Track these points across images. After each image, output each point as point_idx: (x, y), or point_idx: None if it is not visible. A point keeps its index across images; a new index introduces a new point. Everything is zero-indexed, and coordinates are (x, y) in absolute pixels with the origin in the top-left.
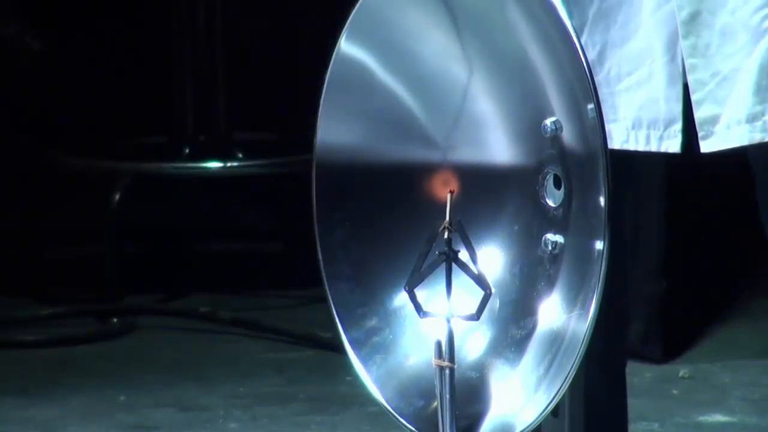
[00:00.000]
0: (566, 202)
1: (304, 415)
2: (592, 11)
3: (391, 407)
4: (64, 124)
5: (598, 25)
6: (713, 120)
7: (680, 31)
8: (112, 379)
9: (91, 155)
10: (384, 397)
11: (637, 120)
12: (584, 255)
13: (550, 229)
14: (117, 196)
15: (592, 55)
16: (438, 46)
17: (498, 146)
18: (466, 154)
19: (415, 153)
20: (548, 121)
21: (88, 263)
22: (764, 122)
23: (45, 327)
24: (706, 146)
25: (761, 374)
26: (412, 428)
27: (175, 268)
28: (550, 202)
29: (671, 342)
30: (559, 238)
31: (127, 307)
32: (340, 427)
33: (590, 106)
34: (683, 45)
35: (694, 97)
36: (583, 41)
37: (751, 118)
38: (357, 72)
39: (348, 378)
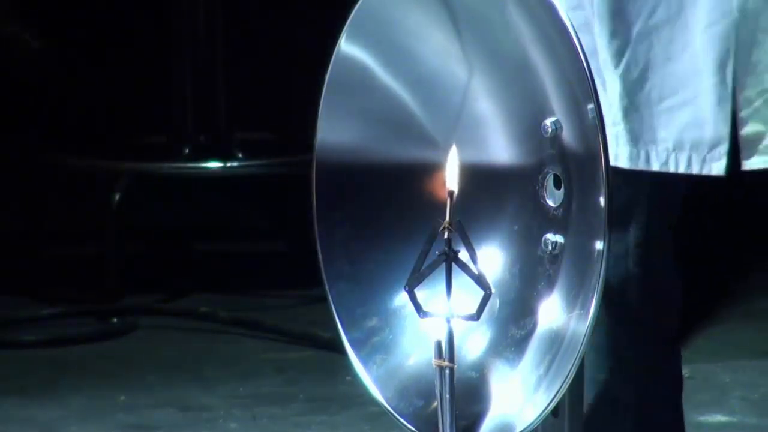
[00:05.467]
0: (566, 202)
1: (304, 415)
2: (636, 29)
3: (391, 407)
4: (64, 124)
5: (643, 43)
6: (755, 139)
7: (732, 51)
8: (112, 379)
9: (91, 155)
10: (384, 397)
11: (679, 141)
12: (584, 255)
13: (550, 229)
14: (117, 196)
15: (634, 74)
16: (438, 46)
17: (498, 146)
18: (466, 154)
19: (415, 153)
20: (548, 121)
21: (88, 263)
22: None
23: (45, 327)
24: (748, 164)
25: (761, 374)
26: (412, 428)
27: (175, 268)
28: (550, 202)
29: None
30: (559, 238)
31: (127, 307)
32: (340, 427)
33: (590, 106)
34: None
35: (741, 114)
36: (626, 60)
37: None
38: (357, 72)
39: (348, 378)
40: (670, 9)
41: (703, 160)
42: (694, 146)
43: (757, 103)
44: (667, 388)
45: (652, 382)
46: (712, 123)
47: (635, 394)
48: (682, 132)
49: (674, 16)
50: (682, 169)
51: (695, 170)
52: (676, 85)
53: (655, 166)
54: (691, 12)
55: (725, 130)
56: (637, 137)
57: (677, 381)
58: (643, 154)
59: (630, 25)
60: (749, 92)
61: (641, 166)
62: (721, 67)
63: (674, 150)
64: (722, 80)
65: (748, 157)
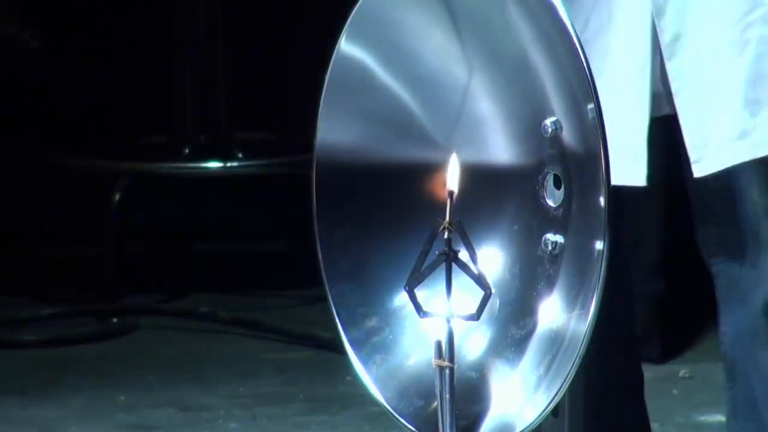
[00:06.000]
0: (566, 202)
1: (304, 415)
2: None
3: (391, 407)
4: (64, 124)
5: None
6: (703, 143)
7: (664, 54)
8: (112, 379)
9: (91, 155)
10: (384, 397)
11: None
12: (584, 255)
13: (550, 229)
14: (117, 196)
15: None
16: (438, 46)
17: (498, 146)
18: (466, 154)
19: (415, 153)
20: (548, 121)
21: (88, 263)
22: (754, 138)
23: (45, 327)
24: (699, 170)
25: None
26: (412, 428)
27: (175, 268)
28: (550, 202)
29: (670, 342)
30: (559, 238)
31: (127, 307)
32: (340, 427)
33: (590, 106)
34: (668, 67)
35: (682, 121)
36: None
37: (742, 135)
38: (357, 72)
39: (348, 378)
40: (602, 20)
41: (625, 172)
42: (617, 158)
43: (699, 107)
44: (627, 390)
45: (610, 384)
46: (630, 133)
47: (594, 397)
48: (612, 142)
49: (605, 26)
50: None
51: (619, 181)
52: (606, 97)
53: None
54: (617, 20)
55: (642, 141)
56: None
57: (637, 381)
58: None
59: None
60: (687, 96)
61: None
62: (641, 72)
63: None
64: (639, 89)
65: (698, 162)
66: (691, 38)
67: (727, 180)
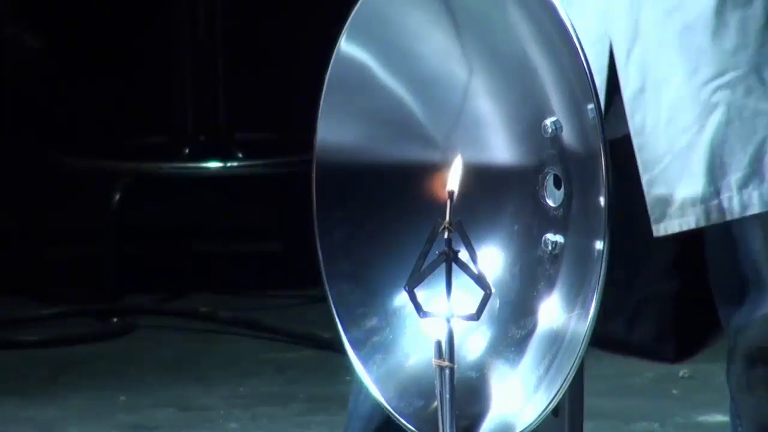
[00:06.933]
0: (566, 202)
1: (304, 415)
2: None
3: (391, 407)
4: (64, 124)
5: None
6: (666, 202)
7: (626, 110)
8: (112, 379)
9: (91, 155)
10: (384, 397)
11: None
12: (584, 255)
13: (550, 229)
14: (117, 196)
15: None
16: (438, 46)
17: (498, 146)
18: (466, 154)
19: (415, 153)
20: (548, 121)
21: (88, 263)
22: (720, 202)
23: (45, 327)
24: (659, 230)
25: None
26: (412, 428)
27: (175, 268)
28: (550, 202)
29: (684, 341)
30: (559, 238)
31: (127, 307)
32: (340, 427)
33: (590, 106)
34: (630, 124)
35: (643, 179)
36: None
37: (706, 198)
38: (357, 72)
39: (348, 378)
40: None
41: None
42: None
43: (662, 165)
44: None
45: None
46: None
47: None
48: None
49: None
50: None
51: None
52: None
53: None
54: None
55: None
56: None
57: None
58: None
59: None
60: (650, 154)
61: None
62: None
63: None
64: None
65: (659, 222)
66: (652, 95)
67: (730, 231)
